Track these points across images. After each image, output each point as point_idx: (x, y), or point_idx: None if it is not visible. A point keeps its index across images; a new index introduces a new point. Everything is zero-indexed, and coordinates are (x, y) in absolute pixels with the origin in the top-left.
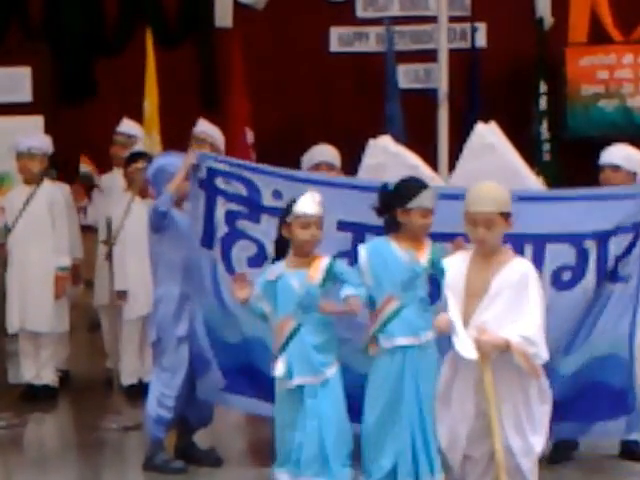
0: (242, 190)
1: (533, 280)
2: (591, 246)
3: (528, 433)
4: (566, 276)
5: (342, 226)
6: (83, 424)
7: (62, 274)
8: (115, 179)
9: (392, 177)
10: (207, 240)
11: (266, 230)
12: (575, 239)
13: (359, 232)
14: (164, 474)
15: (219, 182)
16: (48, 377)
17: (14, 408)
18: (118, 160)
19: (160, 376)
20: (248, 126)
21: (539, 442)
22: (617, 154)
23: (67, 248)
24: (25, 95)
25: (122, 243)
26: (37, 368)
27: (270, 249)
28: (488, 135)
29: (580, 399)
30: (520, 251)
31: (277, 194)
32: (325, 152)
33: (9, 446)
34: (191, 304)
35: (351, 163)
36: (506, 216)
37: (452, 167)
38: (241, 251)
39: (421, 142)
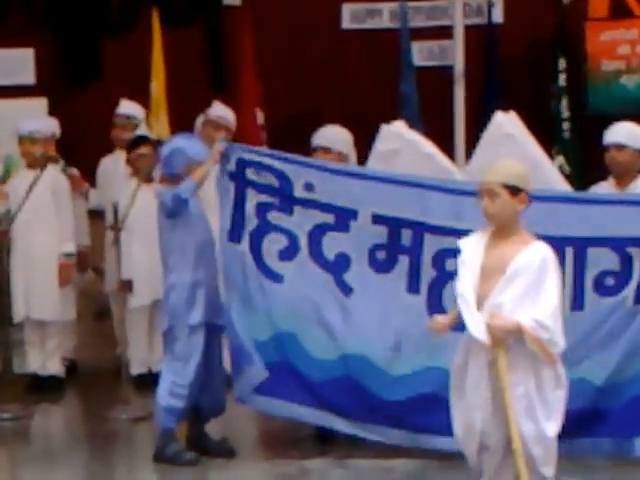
0: (273, 181)
1: (553, 265)
2: (635, 253)
3: (541, 419)
4: (609, 282)
5: (377, 220)
6: (91, 415)
7: (67, 261)
8: (117, 162)
9: (405, 165)
10: (235, 234)
11: (299, 222)
12: (617, 244)
13: (394, 226)
14: (176, 466)
15: (249, 173)
16: (54, 367)
17: (20, 399)
18: (119, 143)
19: (171, 365)
20: (258, 107)
21: (552, 428)
22: (621, 133)
23: (72, 234)
24: (28, 77)
25: (128, 231)
26: (43, 358)
27: (303, 241)
28: (507, 125)
29: (620, 413)
30: (561, 254)
31: (309, 186)
32: (323, 135)
33: (15, 438)
34: (226, 297)
35: (364, 143)
36: (513, 191)
37: (469, 146)
38: (271, 244)
39: (437, 120)
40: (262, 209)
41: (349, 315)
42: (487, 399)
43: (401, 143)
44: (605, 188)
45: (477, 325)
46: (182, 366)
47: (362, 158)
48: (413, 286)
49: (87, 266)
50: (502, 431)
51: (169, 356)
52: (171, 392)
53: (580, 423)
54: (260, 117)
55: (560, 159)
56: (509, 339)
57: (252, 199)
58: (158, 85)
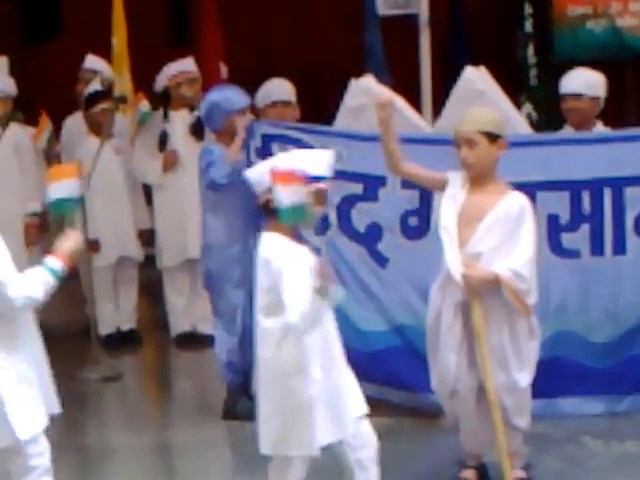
0: None
1: (529, 215)
2: None
3: (513, 369)
4: None
5: (406, 184)
6: (60, 375)
7: (32, 220)
8: (82, 121)
9: (374, 120)
10: None
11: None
12: None
13: (424, 189)
14: (248, 422)
15: (275, 149)
16: None
17: None
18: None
19: (220, 321)
20: (222, 61)
21: (524, 379)
22: (577, 81)
23: (37, 193)
24: None
25: (92, 190)
26: None
27: (332, 217)
28: (478, 81)
29: None
30: (599, 195)
31: (337, 156)
32: (279, 89)
33: None
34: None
35: (330, 95)
36: (492, 137)
37: (435, 96)
38: None
39: (403, 70)
40: None
41: (388, 286)
42: (461, 341)
43: (369, 98)
44: None
45: (456, 263)
46: (230, 321)
47: (331, 110)
48: None
49: (47, 227)
50: (473, 379)
51: (215, 312)
52: (227, 348)
53: None
54: (224, 71)
55: (528, 106)
56: (484, 289)
57: None
58: (119, 41)
